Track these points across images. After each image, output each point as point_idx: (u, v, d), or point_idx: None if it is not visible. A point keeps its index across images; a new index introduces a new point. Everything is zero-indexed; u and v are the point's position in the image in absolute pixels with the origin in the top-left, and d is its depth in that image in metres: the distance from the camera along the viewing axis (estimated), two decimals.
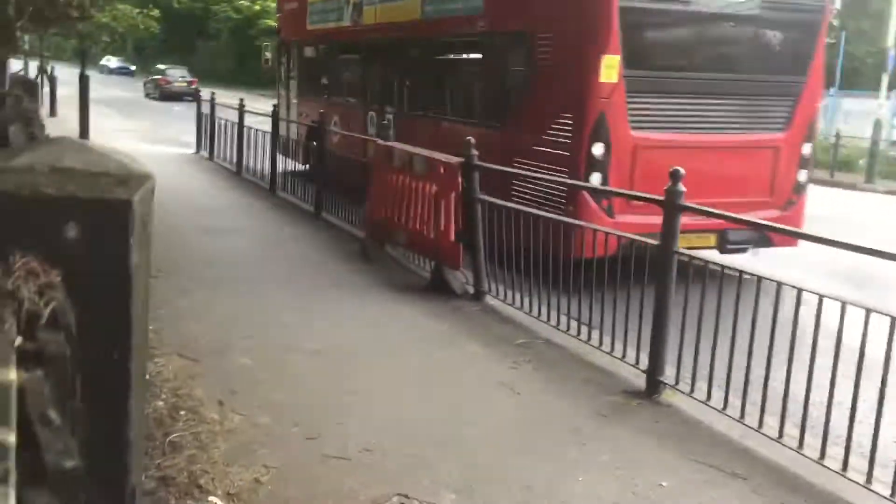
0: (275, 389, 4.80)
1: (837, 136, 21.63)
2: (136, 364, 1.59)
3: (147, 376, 4.71)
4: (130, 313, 1.53)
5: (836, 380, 4.00)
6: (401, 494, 3.65)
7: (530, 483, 3.84)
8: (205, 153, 16.57)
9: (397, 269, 8.02)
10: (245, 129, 13.75)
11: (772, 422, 4.34)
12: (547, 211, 6.80)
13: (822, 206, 14.97)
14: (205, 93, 16.92)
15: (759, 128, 8.48)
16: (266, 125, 13.39)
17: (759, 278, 4.48)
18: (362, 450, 4.07)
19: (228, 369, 5.10)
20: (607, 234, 5.84)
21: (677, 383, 4.96)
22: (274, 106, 14.69)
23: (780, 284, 4.35)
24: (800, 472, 4.08)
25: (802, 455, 4.13)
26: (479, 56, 9.71)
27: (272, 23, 33.19)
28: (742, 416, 4.50)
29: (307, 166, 12.70)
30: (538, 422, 4.61)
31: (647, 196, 5.68)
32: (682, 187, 4.93)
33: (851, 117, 23.89)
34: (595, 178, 7.65)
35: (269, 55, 16.72)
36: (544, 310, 6.19)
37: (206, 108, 16.28)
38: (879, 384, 3.78)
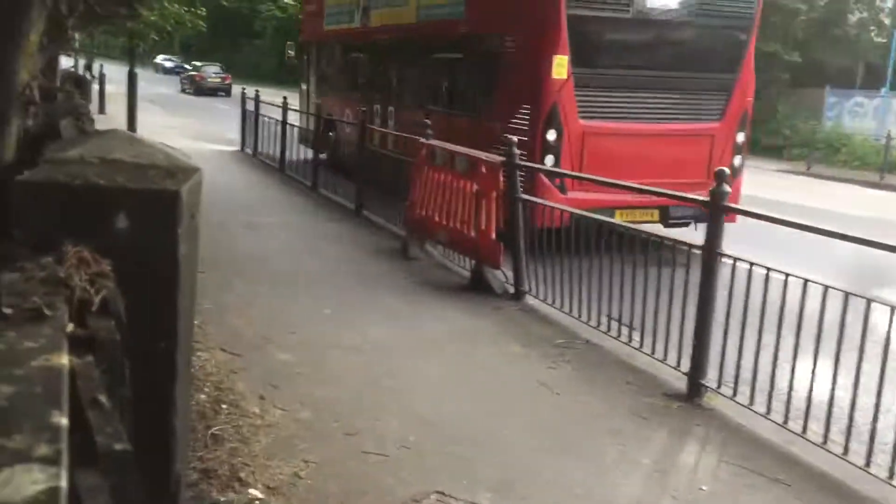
0: (315, 385, 4.84)
1: (888, 137, 21.17)
2: (181, 354, 1.62)
3: (191, 369, 4.79)
4: (177, 303, 1.55)
5: (884, 385, 3.92)
6: (438, 492, 3.66)
7: (568, 484, 3.83)
8: (249, 150, 16.77)
9: (437, 268, 8.03)
10: (288, 127, 13.97)
11: (816, 427, 4.26)
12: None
13: (868, 208, 14.74)
14: (249, 91, 17.13)
15: (696, 118, 9.59)
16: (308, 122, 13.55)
17: (806, 281, 4.40)
18: (401, 447, 4.08)
19: (270, 364, 5.15)
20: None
21: (719, 386, 4.89)
22: (317, 105, 14.85)
23: (826, 288, 4.27)
24: (844, 478, 4.00)
25: (847, 461, 4.05)
26: (460, 55, 10.78)
27: None
28: (786, 420, 4.43)
29: (323, 155, 13.64)
30: (577, 422, 4.58)
31: (694, 197, 5.66)
32: (727, 188, 4.88)
33: None
34: (549, 160, 8.78)
35: (291, 52, 18.25)
36: (584, 310, 6.15)
37: (250, 106, 16.48)
38: None
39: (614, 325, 5.82)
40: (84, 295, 1.29)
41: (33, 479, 0.81)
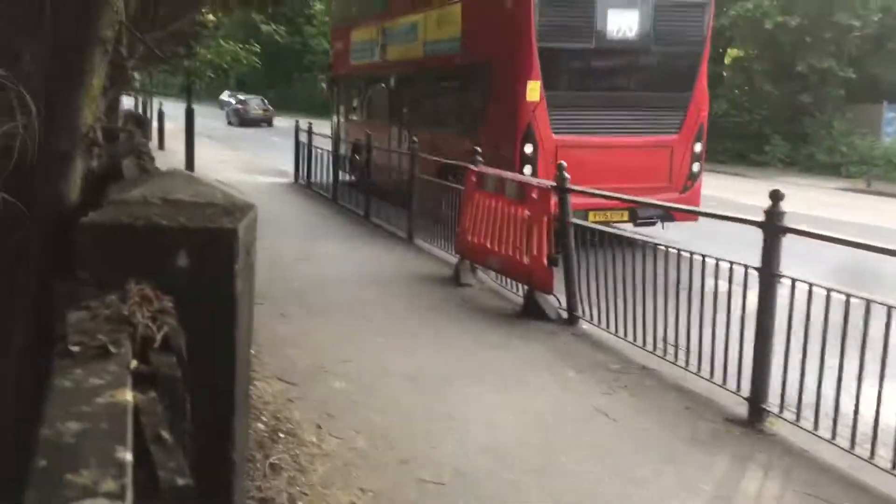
0: (371, 413, 4.87)
1: None
2: (240, 388, 1.65)
3: (249, 400, 4.86)
4: (235, 338, 1.59)
5: None
6: None
7: None
8: (302, 181, 17.04)
9: (490, 294, 8.03)
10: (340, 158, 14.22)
11: (884, 452, 4.13)
12: None
13: None
14: (300, 122, 17.48)
15: (656, 131, 11.17)
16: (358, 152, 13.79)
17: (869, 302, 4.29)
18: (456, 474, 4.07)
19: (325, 393, 5.20)
20: None
21: (782, 411, 4.78)
22: (368, 134, 15.13)
23: (890, 308, 4.16)
24: None
25: None
26: (458, 83, 12.71)
27: None
28: (852, 446, 4.30)
29: (353, 177, 15.31)
30: (635, 449, 4.52)
31: (747, 218, 5.57)
32: (782, 208, 4.79)
33: None
34: (527, 170, 10.18)
35: (324, 85, 21.20)
36: (640, 335, 6.08)
37: (303, 138, 16.78)
38: None
39: (670, 349, 5.74)
40: (147, 332, 1.33)
41: None
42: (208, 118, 45.05)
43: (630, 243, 6.38)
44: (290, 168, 18.03)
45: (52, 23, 2.44)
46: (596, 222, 8.15)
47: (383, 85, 15.99)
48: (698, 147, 11.33)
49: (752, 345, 4.93)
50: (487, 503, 3.79)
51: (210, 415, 1.53)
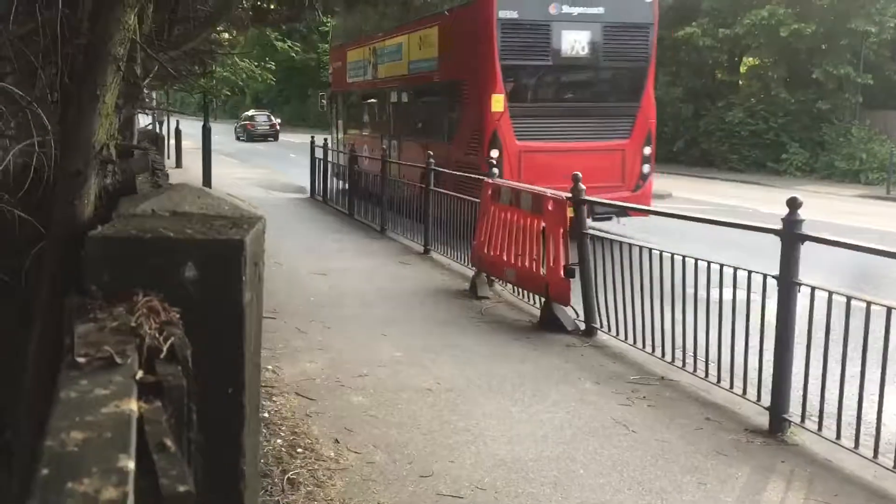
0: (388, 427, 4.85)
1: None
2: (248, 398, 1.65)
3: (266, 414, 4.86)
4: (243, 349, 1.59)
5: None
6: None
7: None
8: (319, 197, 17.11)
9: (507, 306, 8.01)
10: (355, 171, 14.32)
11: None
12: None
13: None
14: (318, 139, 17.59)
15: (609, 137, 12.68)
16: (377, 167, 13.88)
17: (889, 309, 4.23)
18: (476, 488, 4.05)
19: (343, 407, 5.19)
20: None
21: (803, 421, 4.71)
22: (384, 150, 15.35)
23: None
24: None
25: None
26: (437, 97, 14.45)
27: None
28: (875, 455, 4.23)
29: (346, 185, 16.31)
30: (655, 461, 4.47)
31: (766, 227, 5.53)
32: (800, 216, 4.75)
33: None
34: (494, 172, 10.70)
35: (324, 102, 23.86)
36: (658, 345, 6.03)
37: (319, 154, 16.86)
38: None
39: (689, 359, 5.69)
40: (153, 343, 1.33)
41: None
42: (218, 134, 45.58)
43: (647, 253, 6.34)
44: (307, 183, 18.11)
45: (64, 41, 2.47)
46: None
47: (376, 100, 18.15)
48: (647, 150, 12.89)
49: (773, 353, 4.88)
50: None
51: (220, 425, 1.52)
